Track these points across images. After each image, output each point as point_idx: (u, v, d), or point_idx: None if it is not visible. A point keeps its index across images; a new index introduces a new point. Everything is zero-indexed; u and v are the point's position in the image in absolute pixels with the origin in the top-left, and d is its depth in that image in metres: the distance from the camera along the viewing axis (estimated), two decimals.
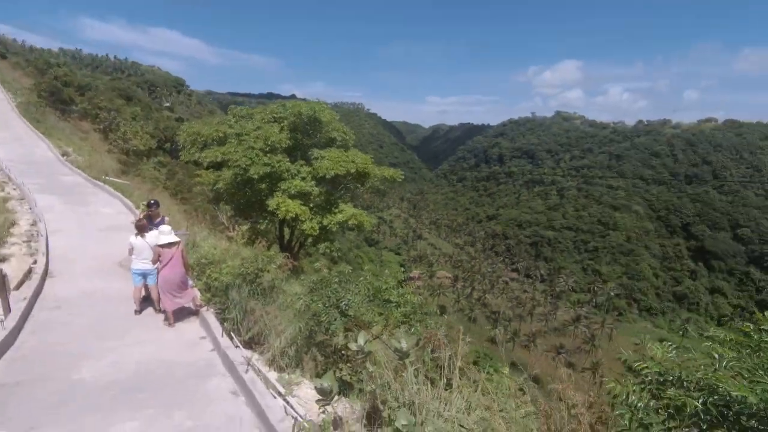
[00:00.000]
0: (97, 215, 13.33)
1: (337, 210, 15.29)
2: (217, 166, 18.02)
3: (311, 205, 14.75)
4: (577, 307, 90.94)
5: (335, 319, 5.50)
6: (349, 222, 15.01)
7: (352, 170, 15.13)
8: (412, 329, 5.83)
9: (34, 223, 11.23)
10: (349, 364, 5.34)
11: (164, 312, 7.13)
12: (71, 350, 5.76)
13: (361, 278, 6.29)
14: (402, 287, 6.51)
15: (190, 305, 7.49)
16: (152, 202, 8.44)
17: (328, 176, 14.79)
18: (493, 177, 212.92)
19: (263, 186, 14.96)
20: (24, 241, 10.25)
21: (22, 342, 5.87)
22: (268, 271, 7.65)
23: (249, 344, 6.82)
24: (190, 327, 7.02)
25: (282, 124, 16.09)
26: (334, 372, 5.26)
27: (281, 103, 17.29)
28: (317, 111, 15.82)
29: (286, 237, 18.27)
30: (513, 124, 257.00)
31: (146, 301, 7.58)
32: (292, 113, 15.92)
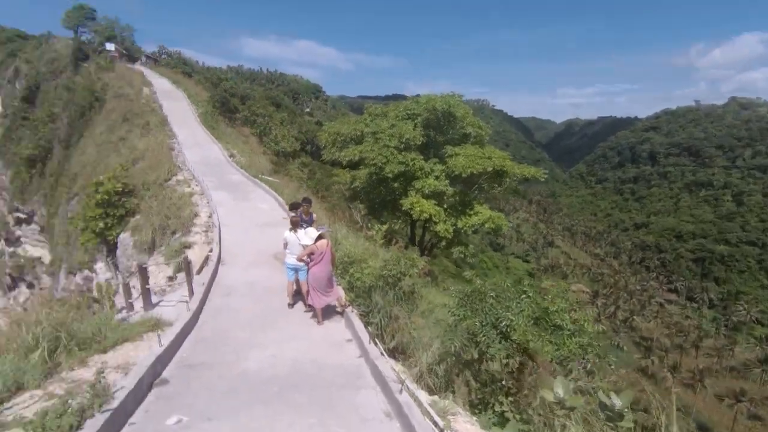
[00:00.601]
0: (256, 210, 14.97)
1: (472, 212, 14.47)
2: (354, 165, 18.76)
3: (445, 206, 14.23)
4: (766, 345, 71.57)
5: (495, 342, 4.80)
6: (486, 225, 14.04)
7: (489, 168, 14.11)
8: (588, 364, 4.78)
9: (210, 215, 13.05)
10: (511, 398, 4.59)
11: (312, 308, 7.36)
12: (239, 338, 6.23)
13: (523, 295, 5.43)
14: (575, 310, 5.43)
15: (335, 304, 7.62)
16: (305, 198, 8.85)
17: (464, 174, 14.07)
18: (642, 178, 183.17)
19: (397, 185, 14.99)
20: (203, 231, 11.94)
21: (202, 323, 6.60)
22: (410, 276, 7.35)
23: (393, 353, 6.57)
24: (337, 327, 7.09)
25: (416, 121, 15.92)
26: (493, 406, 4.57)
27: (414, 99, 17.17)
28: (452, 105, 15.18)
29: (418, 238, 18.14)
30: (669, 116, 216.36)
31: (297, 294, 7.97)
32: (425, 108, 15.61)
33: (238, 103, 44.01)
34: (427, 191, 13.91)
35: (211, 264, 9.07)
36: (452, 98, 15.77)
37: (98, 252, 17.77)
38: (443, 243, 15.37)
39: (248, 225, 13.10)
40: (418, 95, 17.19)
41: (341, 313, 7.52)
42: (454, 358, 5.39)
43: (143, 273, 7.72)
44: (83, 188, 21.39)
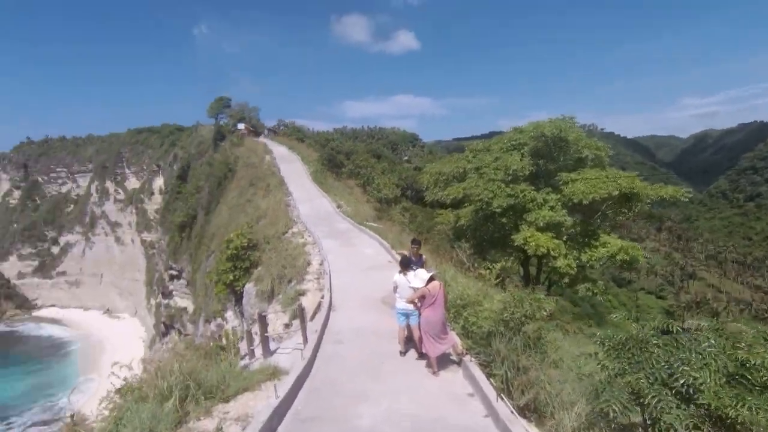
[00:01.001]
0: (362, 255, 15.19)
1: (597, 243, 12.59)
2: (457, 204, 18.20)
3: (564, 239, 12.66)
4: None
5: (673, 407, 3.59)
6: (617, 257, 12.02)
7: (615, 192, 12.27)
8: None
9: (321, 263, 13.56)
10: None
11: (426, 356, 6.74)
12: (351, 389, 5.88)
13: (706, 343, 4.09)
14: None
15: (450, 351, 6.89)
16: (414, 240, 8.54)
17: (584, 201, 12.45)
18: None
19: (505, 220, 13.94)
20: (315, 278, 12.37)
21: (315, 372, 6.45)
22: (537, 319, 6.32)
23: (524, 412, 5.53)
24: (454, 378, 6.32)
25: (522, 151, 14.92)
26: None
27: (517, 129, 16.26)
28: (563, 129, 13.89)
29: (532, 276, 16.47)
30: None
31: (409, 341, 7.45)
32: (532, 137, 14.57)
33: (343, 159, 47.65)
34: (541, 223, 12.58)
35: (323, 310, 9.13)
36: (562, 122, 14.47)
37: (228, 301, 19.74)
38: (565, 280, 13.46)
39: (356, 269, 13.24)
40: (517, 128, 16.35)
41: (458, 362, 6.74)
42: (610, 423, 4.21)
43: (262, 321, 8.03)
44: (218, 246, 24.43)
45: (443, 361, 6.64)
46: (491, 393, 5.39)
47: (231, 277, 16.77)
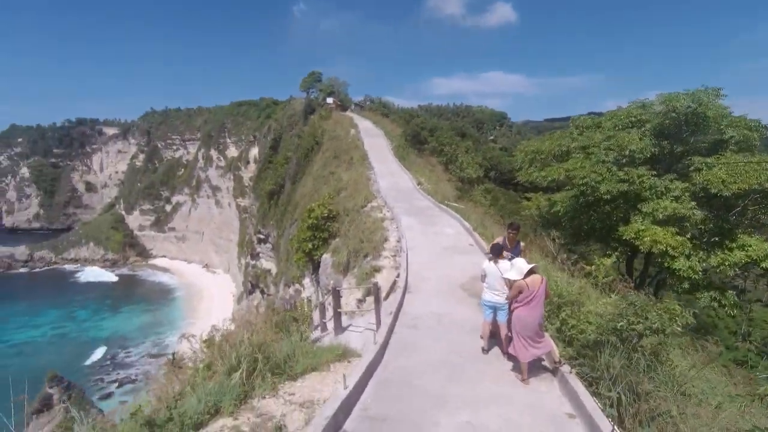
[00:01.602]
0: (442, 235, 14.35)
1: (734, 244, 10.21)
2: (547, 189, 16.35)
3: (688, 236, 10.46)
4: None
5: None
6: (762, 264, 9.61)
7: (767, 183, 9.71)
8: None
9: (399, 240, 13.01)
10: None
11: (513, 358, 5.83)
12: (427, 388, 5.18)
13: None
14: None
15: (543, 357, 5.89)
16: (511, 224, 7.43)
17: (725, 193, 10.07)
18: None
19: (609, 208, 11.95)
20: (392, 255, 11.86)
21: (387, 361, 5.90)
22: (667, 334, 5.01)
23: None
24: (549, 391, 5.32)
25: (642, 129, 12.54)
26: None
27: (639, 103, 13.65)
28: (703, 103, 11.25)
29: (635, 275, 14.22)
30: None
31: (493, 337, 6.57)
32: (659, 113, 12.11)
33: (427, 135, 46.43)
34: (661, 216, 10.47)
35: (398, 291, 8.57)
36: (704, 93, 11.64)
37: (306, 269, 20.35)
38: (684, 285, 11.08)
39: (434, 250, 12.47)
40: (638, 101, 13.57)
41: (552, 372, 5.72)
42: None
43: (336, 296, 7.71)
44: (300, 215, 25.26)
45: (534, 368, 5.67)
46: (600, 418, 4.35)
47: (310, 246, 17.09)
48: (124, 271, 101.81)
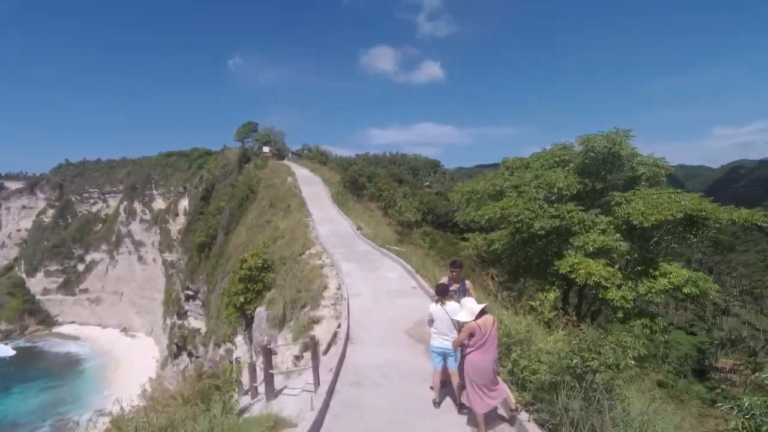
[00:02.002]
0: (384, 280, 13.81)
1: (657, 272, 10.86)
2: (483, 229, 16.76)
3: (616, 266, 10.97)
4: None
5: None
6: (684, 290, 10.25)
7: (679, 214, 10.63)
8: None
9: (339, 287, 12.23)
10: None
11: (467, 409, 5.25)
12: None
13: None
14: None
15: (499, 405, 5.39)
16: (454, 262, 7.10)
17: (645, 224, 10.81)
18: None
19: (547, 244, 12.35)
20: (332, 304, 11.02)
21: (327, 427, 5.03)
22: (618, 367, 4.78)
23: None
24: None
25: (567, 168, 13.44)
26: None
27: (561, 144, 14.78)
28: (617, 144, 12.38)
29: (571, 306, 14.62)
30: None
31: (444, 387, 5.97)
32: (579, 153, 13.09)
33: (365, 182, 47.01)
34: (591, 249, 10.96)
35: (339, 343, 7.74)
36: (616, 135, 12.83)
37: (239, 325, 18.51)
38: (618, 315, 11.49)
39: (377, 295, 11.85)
40: (560, 143, 14.76)
41: (508, 420, 5.21)
42: None
43: (267, 355, 6.73)
44: (233, 267, 23.45)
45: (490, 418, 5.13)
46: None
47: (242, 300, 15.59)
48: (20, 343, 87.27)
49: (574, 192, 12.40)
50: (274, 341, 11.49)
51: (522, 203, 12.10)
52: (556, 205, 12.01)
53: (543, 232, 11.64)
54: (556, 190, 12.22)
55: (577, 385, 4.89)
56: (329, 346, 8.15)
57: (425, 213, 59.83)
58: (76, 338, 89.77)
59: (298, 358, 8.92)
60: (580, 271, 10.48)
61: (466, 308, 5.11)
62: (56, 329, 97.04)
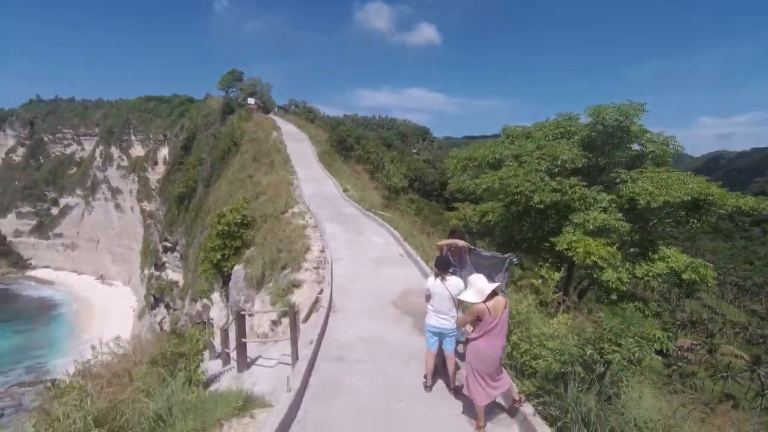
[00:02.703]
0: (370, 245, 13.15)
1: (656, 256, 10.47)
2: (471, 199, 16.10)
3: (615, 247, 10.52)
4: None
5: None
6: (684, 275, 9.92)
7: (687, 197, 10.12)
8: None
9: (323, 250, 11.52)
10: None
11: (462, 395, 4.71)
12: None
13: None
14: None
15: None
16: (455, 231, 6.30)
17: (653, 204, 10.27)
18: None
19: (544, 218, 11.78)
20: (314, 267, 10.33)
21: (305, 413, 4.41)
22: (640, 363, 4.28)
23: None
24: None
25: (571, 140, 12.66)
26: None
27: (566, 114, 13.87)
28: (628, 117, 11.57)
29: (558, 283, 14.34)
30: None
31: (437, 370, 5.40)
32: (587, 125, 12.29)
33: (353, 143, 45.49)
34: (591, 227, 10.43)
35: (321, 311, 7.10)
36: (630, 107, 11.97)
37: (216, 282, 17.79)
38: (612, 296, 11.12)
39: (362, 261, 11.20)
40: (565, 113, 13.74)
41: (510, 412, 4.70)
42: None
43: (240, 322, 6.02)
44: (211, 221, 22.43)
45: (489, 408, 4.61)
46: None
47: (219, 256, 14.75)
48: None
49: (579, 166, 11.71)
50: (250, 302, 10.84)
51: (522, 174, 11.35)
52: (558, 179, 11.33)
53: (542, 206, 11.02)
54: (559, 163, 11.49)
55: (587, 376, 4.38)
56: (309, 313, 7.51)
57: (412, 180, 58.99)
58: (50, 283, 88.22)
59: (275, 323, 8.29)
60: (578, 250, 10.00)
61: (476, 287, 4.41)
62: (29, 272, 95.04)
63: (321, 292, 8.38)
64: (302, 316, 7.61)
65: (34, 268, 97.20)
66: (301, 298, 8.56)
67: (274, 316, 8.45)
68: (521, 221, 12.65)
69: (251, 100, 66.97)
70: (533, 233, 12.47)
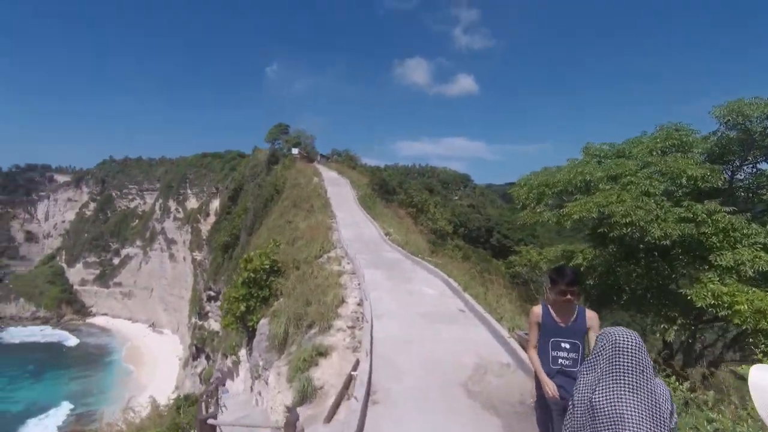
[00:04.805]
0: (420, 296, 10.55)
1: None
2: (536, 241, 13.09)
3: None
4: None
5: None
6: None
7: None
8: None
9: (360, 303, 9.10)
10: None
11: None
12: None
13: None
14: None
15: None
16: (563, 270, 3.58)
17: None
18: None
19: (662, 260, 8.63)
20: (348, 327, 7.88)
21: None
22: None
23: None
24: None
25: (688, 155, 9.60)
26: None
27: (673, 125, 10.74)
28: None
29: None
30: None
31: None
32: (716, 132, 9.26)
33: (395, 186, 44.04)
34: (749, 272, 7.25)
35: (355, 405, 4.54)
36: None
37: (243, 336, 15.69)
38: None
39: (411, 317, 8.60)
40: (671, 124, 10.57)
41: None
42: None
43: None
44: (237, 267, 20.89)
45: None
46: None
47: (243, 308, 12.70)
48: (57, 331, 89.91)
49: (718, 185, 8.59)
50: (269, 370, 8.39)
51: (630, 199, 8.39)
52: (685, 203, 8.31)
53: (666, 242, 7.95)
54: (684, 182, 8.48)
55: None
56: (337, 403, 4.97)
57: (457, 225, 55.94)
58: (107, 330, 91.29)
59: (289, 410, 5.75)
60: (739, 307, 6.80)
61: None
62: (89, 320, 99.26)
63: (356, 366, 5.84)
64: (327, 404, 5.08)
65: (94, 315, 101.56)
66: (327, 374, 6.08)
67: (289, 397, 5.95)
68: (629, 265, 9.47)
69: (295, 150, 68.77)
70: (648, 281, 9.18)
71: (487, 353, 6.38)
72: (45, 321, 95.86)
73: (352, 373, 5.64)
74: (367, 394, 4.96)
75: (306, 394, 5.55)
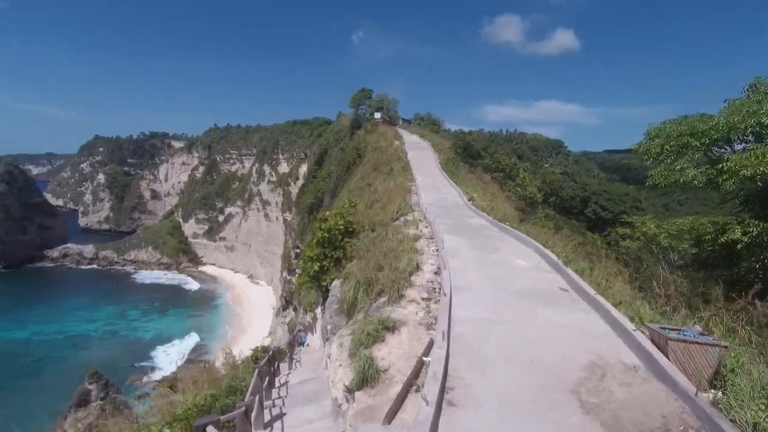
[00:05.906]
0: (509, 268, 9.01)
1: None
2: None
3: None
4: None
5: None
6: None
7: None
8: None
9: (437, 272, 7.89)
10: None
11: None
12: None
13: None
14: None
15: None
16: None
17: None
18: None
19: None
20: (423, 298, 6.76)
21: None
22: None
23: None
24: None
25: None
26: None
27: None
28: None
29: None
30: None
31: None
32: None
33: (480, 150, 41.02)
34: None
35: (425, 409, 3.43)
36: None
37: (319, 295, 15.65)
38: None
39: (499, 294, 7.19)
40: None
41: None
42: None
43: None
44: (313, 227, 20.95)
45: None
46: None
47: (316, 268, 12.36)
48: (177, 275, 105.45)
49: None
50: (335, 335, 7.72)
51: None
52: None
53: None
54: None
55: None
56: (402, 398, 3.89)
57: (547, 194, 50.80)
58: (214, 278, 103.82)
59: (349, 392, 4.89)
60: None
61: None
62: (201, 268, 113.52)
63: (429, 349, 4.71)
64: (389, 396, 4.07)
65: (204, 264, 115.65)
66: (394, 354, 5.06)
67: (348, 378, 5.06)
68: None
69: (378, 115, 67.89)
70: None
71: (604, 349, 4.82)
72: (167, 267, 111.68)
73: (424, 358, 4.53)
74: (442, 391, 3.81)
75: (367, 377, 4.61)
